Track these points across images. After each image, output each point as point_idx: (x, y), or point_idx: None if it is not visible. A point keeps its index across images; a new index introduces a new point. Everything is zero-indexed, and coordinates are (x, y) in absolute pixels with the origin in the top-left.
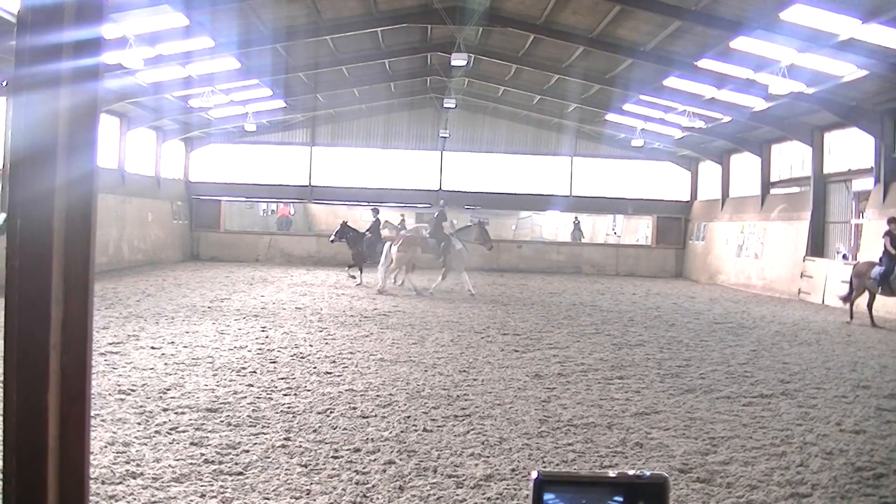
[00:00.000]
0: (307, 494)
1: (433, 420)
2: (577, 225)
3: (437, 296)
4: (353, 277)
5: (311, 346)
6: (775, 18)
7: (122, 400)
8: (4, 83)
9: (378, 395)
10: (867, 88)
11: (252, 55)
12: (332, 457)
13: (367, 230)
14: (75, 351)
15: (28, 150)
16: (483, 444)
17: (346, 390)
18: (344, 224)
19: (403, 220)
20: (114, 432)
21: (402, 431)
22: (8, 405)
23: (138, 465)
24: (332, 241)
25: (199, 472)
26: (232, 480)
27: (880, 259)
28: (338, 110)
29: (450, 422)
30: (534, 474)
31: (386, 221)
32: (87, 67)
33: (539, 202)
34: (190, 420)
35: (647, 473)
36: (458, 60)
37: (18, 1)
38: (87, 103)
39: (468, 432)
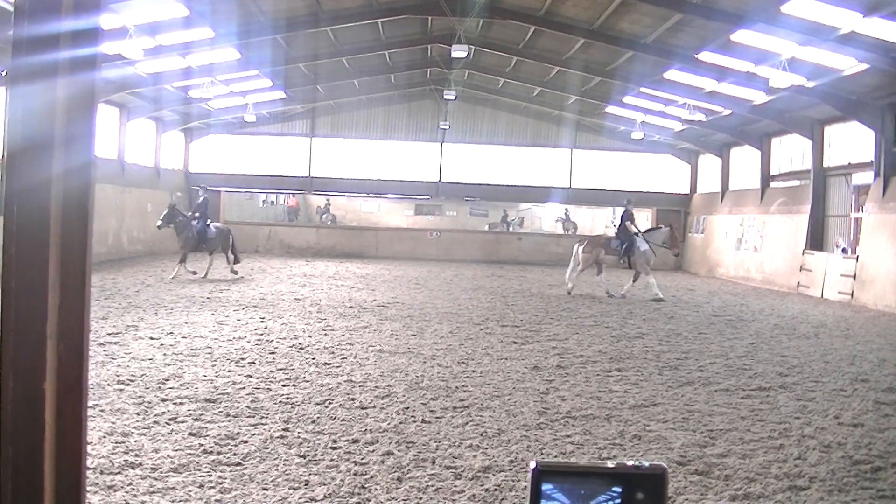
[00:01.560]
0: (305, 485)
1: (432, 411)
2: (567, 216)
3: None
4: (194, 273)
5: (309, 336)
6: (776, 11)
7: (120, 390)
8: (4, 73)
9: (377, 387)
10: (868, 82)
11: (252, 46)
12: (330, 448)
13: (193, 212)
14: (72, 339)
15: (25, 140)
16: (481, 435)
17: (345, 381)
18: (172, 207)
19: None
20: (112, 422)
21: (400, 423)
22: (4, 394)
23: (137, 456)
24: (158, 226)
25: (197, 463)
26: (230, 471)
27: None
28: (338, 101)
29: (448, 413)
30: (532, 464)
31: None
32: (85, 57)
33: (539, 194)
34: (189, 410)
35: (646, 464)
36: (459, 52)
37: None
38: (84, 93)
39: (467, 424)
